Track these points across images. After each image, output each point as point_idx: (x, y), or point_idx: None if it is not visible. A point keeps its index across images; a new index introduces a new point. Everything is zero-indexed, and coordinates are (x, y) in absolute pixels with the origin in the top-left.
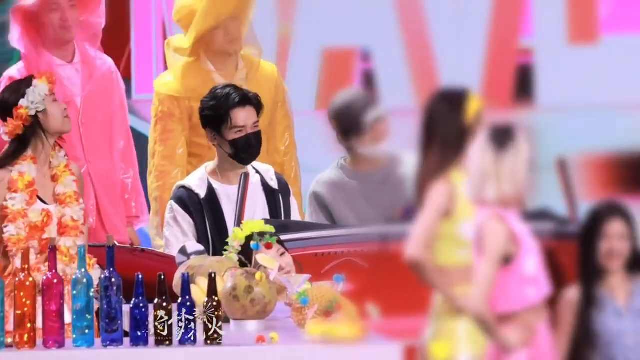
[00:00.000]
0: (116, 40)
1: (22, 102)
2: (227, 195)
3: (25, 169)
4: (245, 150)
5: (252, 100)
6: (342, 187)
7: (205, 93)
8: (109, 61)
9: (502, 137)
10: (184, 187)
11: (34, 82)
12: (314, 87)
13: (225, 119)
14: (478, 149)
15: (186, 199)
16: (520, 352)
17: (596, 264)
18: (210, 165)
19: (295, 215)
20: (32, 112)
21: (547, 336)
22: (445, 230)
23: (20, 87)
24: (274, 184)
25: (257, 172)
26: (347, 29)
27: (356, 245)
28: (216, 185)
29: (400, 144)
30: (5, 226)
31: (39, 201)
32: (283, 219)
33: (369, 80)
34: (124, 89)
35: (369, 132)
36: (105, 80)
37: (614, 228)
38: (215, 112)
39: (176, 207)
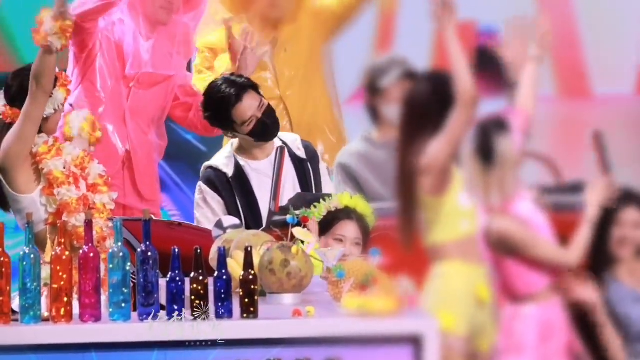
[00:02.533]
0: None
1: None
2: (255, 171)
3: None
4: (263, 133)
5: (246, 87)
6: (369, 158)
7: None
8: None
9: (487, 150)
10: (211, 167)
11: (55, 89)
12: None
13: (231, 119)
14: (465, 158)
15: (214, 179)
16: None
17: (608, 251)
18: (236, 142)
19: (326, 181)
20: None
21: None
22: (445, 204)
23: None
24: (301, 153)
25: (284, 143)
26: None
27: (392, 218)
28: (243, 162)
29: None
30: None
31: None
32: (314, 187)
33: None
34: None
35: (387, 95)
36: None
37: (628, 216)
38: (218, 117)
39: (205, 188)
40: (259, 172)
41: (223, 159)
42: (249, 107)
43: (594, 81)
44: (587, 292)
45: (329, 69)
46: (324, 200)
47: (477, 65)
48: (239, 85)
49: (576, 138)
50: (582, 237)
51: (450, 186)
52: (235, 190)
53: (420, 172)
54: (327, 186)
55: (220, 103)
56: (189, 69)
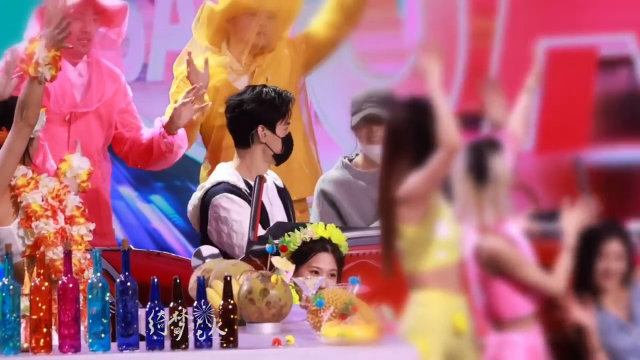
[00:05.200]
0: None
1: None
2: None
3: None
4: (291, 147)
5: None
6: (348, 186)
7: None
8: (120, 77)
9: (481, 168)
10: (222, 182)
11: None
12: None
13: (284, 115)
14: (457, 177)
15: (233, 189)
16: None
17: (592, 283)
18: (234, 164)
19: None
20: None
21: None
22: (422, 234)
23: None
24: (279, 183)
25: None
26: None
27: (371, 247)
28: (249, 180)
29: None
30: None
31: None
32: (292, 218)
33: None
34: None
35: (360, 132)
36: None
37: (612, 248)
38: (277, 108)
39: (233, 197)
40: (265, 192)
41: (229, 176)
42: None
43: None
44: (584, 315)
45: (305, 99)
46: (299, 230)
47: None
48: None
49: None
50: (564, 265)
51: (428, 217)
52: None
53: (398, 202)
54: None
55: (286, 97)
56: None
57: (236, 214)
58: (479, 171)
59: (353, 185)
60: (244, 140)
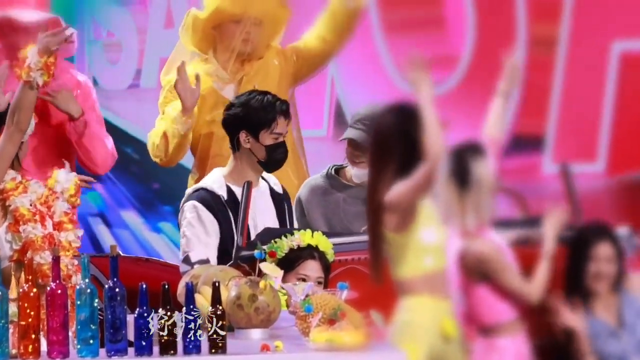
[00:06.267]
0: None
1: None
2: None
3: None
4: (278, 156)
5: (289, 114)
6: (322, 195)
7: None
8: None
9: (463, 173)
10: (204, 189)
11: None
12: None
13: (269, 124)
14: (441, 183)
15: (209, 200)
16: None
17: (583, 286)
18: (226, 169)
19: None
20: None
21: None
22: (408, 240)
23: None
24: (278, 188)
25: (264, 179)
26: None
27: (359, 252)
28: (234, 188)
29: None
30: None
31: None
32: (288, 224)
33: None
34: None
35: (346, 149)
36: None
37: (602, 251)
38: (261, 115)
39: (200, 206)
40: (251, 201)
41: (214, 183)
42: (285, 126)
43: None
44: (574, 319)
45: (294, 110)
46: (286, 237)
47: None
48: (288, 106)
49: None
50: (541, 273)
51: (414, 223)
52: (230, 213)
53: (384, 209)
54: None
55: (273, 105)
56: None
57: (191, 228)
58: (461, 176)
59: (329, 195)
60: (232, 143)
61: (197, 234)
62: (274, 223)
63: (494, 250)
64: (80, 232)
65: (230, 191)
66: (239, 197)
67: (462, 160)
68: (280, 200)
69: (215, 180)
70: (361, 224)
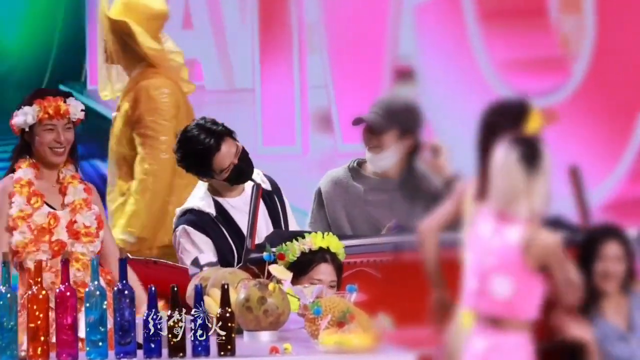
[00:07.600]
0: None
1: (16, 112)
2: (235, 208)
3: (21, 173)
4: (239, 177)
5: (223, 135)
6: (344, 187)
7: None
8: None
9: (533, 156)
10: (191, 210)
11: (33, 106)
12: None
13: (211, 168)
14: (506, 165)
15: (197, 221)
16: None
17: (592, 285)
18: (207, 184)
19: (290, 212)
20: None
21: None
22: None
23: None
24: (266, 186)
25: (252, 179)
26: None
27: (369, 255)
28: (220, 200)
29: None
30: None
31: (45, 205)
32: (282, 219)
33: None
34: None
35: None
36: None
37: (610, 250)
38: (196, 166)
39: (191, 229)
40: (238, 209)
41: (200, 201)
42: (227, 155)
43: None
44: (581, 331)
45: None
46: (297, 240)
47: None
48: (217, 134)
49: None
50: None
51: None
52: (222, 226)
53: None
54: (292, 219)
55: (200, 154)
56: None
57: (187, 253)
58: (531, 159)
59: (350, 187)
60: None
61: (192, 258)
62: (266, 221)
63: (559, 242)
64: (96, 248)
65: (217, 205)
66: (228, 209)
67: (533, 145)
68: (268, 196)
69: (202, 197)
70: (383, 215)
